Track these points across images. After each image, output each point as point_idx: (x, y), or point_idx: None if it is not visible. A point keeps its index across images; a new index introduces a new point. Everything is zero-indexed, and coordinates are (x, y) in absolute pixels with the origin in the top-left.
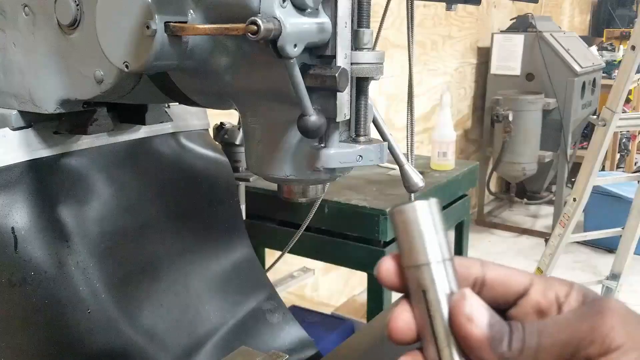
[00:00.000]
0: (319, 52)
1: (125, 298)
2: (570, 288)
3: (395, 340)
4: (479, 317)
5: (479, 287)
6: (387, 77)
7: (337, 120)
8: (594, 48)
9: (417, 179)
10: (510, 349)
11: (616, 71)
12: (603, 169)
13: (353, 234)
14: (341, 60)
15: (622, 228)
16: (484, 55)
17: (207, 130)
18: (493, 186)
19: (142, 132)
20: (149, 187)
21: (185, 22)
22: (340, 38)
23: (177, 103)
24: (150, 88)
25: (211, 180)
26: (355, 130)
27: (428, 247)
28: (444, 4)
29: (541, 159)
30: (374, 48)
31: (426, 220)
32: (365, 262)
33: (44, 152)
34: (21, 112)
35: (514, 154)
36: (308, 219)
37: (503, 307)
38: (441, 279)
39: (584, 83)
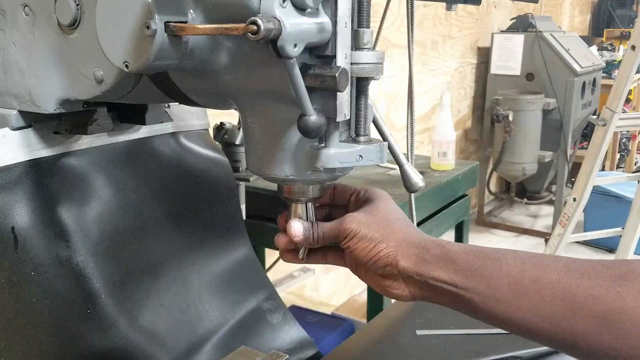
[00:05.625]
0: (319, 52)
1: (125, 298)
2: (356, 194)
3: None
4: (296, 229)
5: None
6: (387, 77)
7: (337, 120)
8: (594, 48)
9: (417, 178)
10: (313, 239)
11: (616, 71)
12: (603, 169)
13: None
14: (341, 60)
15: (622, 228)
16: (484, 55)
17: (207, 130)
18: (493, 186)
19: (142, 132)
20: (149, 187)
21: (185, 22)
22: (340, 38)
23: (177, 103)
24: (150, 88)
25: (211, 180)
26: (355, 130)
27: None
28: (444, 4)
29: (541, 159)
30: (374, 48)
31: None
32: None
33: (44, 152)
34: (21, 112)
35: (514, 154)
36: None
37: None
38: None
39: (584, 83)
